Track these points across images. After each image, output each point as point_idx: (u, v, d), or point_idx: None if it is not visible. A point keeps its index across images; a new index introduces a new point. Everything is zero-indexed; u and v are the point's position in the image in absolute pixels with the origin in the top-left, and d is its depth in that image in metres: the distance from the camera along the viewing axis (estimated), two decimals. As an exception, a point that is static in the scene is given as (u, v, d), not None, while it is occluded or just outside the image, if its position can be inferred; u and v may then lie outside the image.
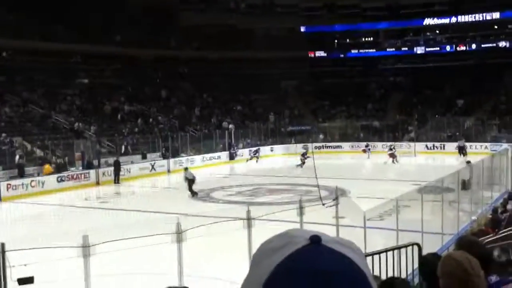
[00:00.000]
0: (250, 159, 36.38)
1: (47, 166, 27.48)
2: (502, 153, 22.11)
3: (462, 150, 35.55)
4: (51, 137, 31.66)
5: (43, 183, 25.24)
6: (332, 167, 30.22)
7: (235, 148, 38.73)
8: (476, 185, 16.95)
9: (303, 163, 32.28)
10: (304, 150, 34.69)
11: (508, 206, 14.83)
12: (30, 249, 11.43)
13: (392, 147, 35.01)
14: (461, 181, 16.94)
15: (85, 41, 42.25)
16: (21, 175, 25.87)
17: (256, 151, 37.12)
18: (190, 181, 23.34)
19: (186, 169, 24.74)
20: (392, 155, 33.55)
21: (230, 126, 41.60)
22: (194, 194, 23.08)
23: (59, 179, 26.20)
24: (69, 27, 42.19)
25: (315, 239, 0.89)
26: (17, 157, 27.14)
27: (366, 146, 38.06)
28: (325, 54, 54.25)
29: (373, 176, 27.49)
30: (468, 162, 21.36)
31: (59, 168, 27.58)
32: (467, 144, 37.44)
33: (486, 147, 36.81)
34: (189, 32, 51.87)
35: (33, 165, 27.83)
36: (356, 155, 38.96)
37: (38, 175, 26.41)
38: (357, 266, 0.88)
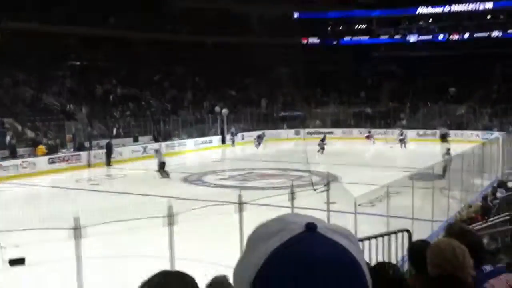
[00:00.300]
0: (258, 145, 35.86)
1: (40, 147, 27.38)
2: (492, 141, 22.27)
3: (444, 138, 35.78)
4: (42, 118, 31.51)
5: (34, 164, 25.16)
6: (324, 153, 30.32)
7: (235, 133, 38.36)
8: (466, 172, 17.05)
9: (323, 148, 32.31)
10: (322, 136, 34.84)
11: (498, 194, 14.94)
12: (21, 230, 11.45)
13: (401, 133, 35.77)
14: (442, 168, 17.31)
15: (78, 23, 41.86)
16: (13, 156, 25.76)
17: (260, 136, 36.79)
18: (162, 163, 23.73)
19: (157, 151, 25.21)
20: (402, 141, 34.26)
21: (224, 110, 41.42)
22: (164, 175, 23.36)
23: (50, 160, 26.12)
24: (62, 9, 41.77)
25: (311, 226, 0.89)
26: (8, 138, 27.01)
27: (369, 132, 38.18)
28: (318, 41, 54.09)
29: (365, 162, 27.58)
30: (448, 150, 21.24)
31: (50, 150, 27.48)
32: (457, 131, 37.77)
33: (477, 135, 37.00)
34: (183, 16, 51.57)
35: (24, 146, 27.70)
36: (348, 141, 39.07)
37: (29, 156, 26.30)
38: (351, 254, 0.89)
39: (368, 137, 37.29)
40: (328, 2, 52.45)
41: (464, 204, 14.53)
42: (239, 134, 38.93)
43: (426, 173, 15.77)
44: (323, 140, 33.28)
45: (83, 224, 10.19)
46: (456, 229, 3.51)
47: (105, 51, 44.51)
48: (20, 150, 26.84)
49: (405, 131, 37.44)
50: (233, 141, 37.46)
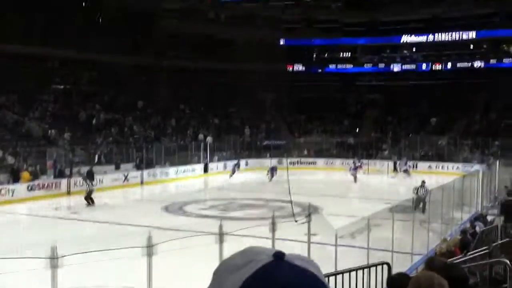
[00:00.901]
0: (232, 173, 35.56)
1: (25, 174, 27.03)
2: (473, 174, 22.44)
3: (396, 166, 37.30)
4: (23, 144, 31.21)
5: (13, 192, 24.78)
6: (306, 184, 30.31)
7: (238, 163, 37.47)
8: (446, 205, 17.14)
9: (272, 176, 33.01)
10: (274, 165, 34.86)
11: (477, 227, 15.01)
12: (-4, 259, 11.23)
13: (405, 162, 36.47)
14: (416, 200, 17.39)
15: (62, 46, 41.79)
16: (16, 181, 25.42)
17: (237, 165, 36.68)
18: (90, 191, 24.07)
19: (85, 178, 25.55)
20: (406, 171, 34.98)
21: (208, 138, 41.42)
22: (90, 202, 23.61)
23: (29, 187, 25.75)
24: (46, 32, 41.72)
25: (279, 255, 0.93)
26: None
27: (358, 163, 36.50)
28: (303, 68, 54.53)
29: (346, 194, 27.64)
30: (423, 183, 21.20)
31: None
32: (438, 163, 38.15)
33: (458, 168, 37.27)
34: (167, 40, 51.71)
35: (4, 172, 27.30)
36: (330, 172, 39.12)
37: (9, 183, 25.90)
38: (320, 280, 0.92)
39: (356, 169, 35.02)
40: (314, 29, 53.04)
41: (443, 238, 14.57)
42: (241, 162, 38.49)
43: (407, 206, 15.87)
44: (273, 169, 33.85)
45: (61, 254, 10.05)
46: (437, 263, 3.51)
47: (89, 75, 44.47)
48: (0, 177, 26.46)
49: (409, 161, 37.84)
50: (233, 171, 36.22)
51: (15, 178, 26.40)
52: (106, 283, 11.72)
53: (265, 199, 25.20)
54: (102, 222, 19.17)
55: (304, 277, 0.90)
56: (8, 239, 16.12)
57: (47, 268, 9.94)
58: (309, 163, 42.82)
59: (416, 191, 19.95)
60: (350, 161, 37.05)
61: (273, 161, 37.98)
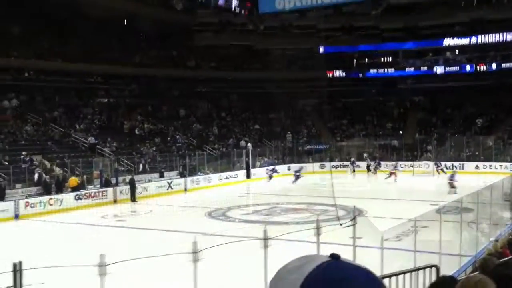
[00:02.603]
0: (270, 179, 35.96)
1: (72, 179, 27.73)
2: (522, 173, 21.84)
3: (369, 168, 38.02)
4: (70, 155, 31.98)
5: (61, 201, 25.38)
6: (349, 186, 30.06)
7: (274, 168, 37.86)
8: (495, 205, 16.71)
9: (297, 178, 34.05)
10: (299, 167, 35.98)
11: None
12: (47, 267, 11.50)
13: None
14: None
15: (104, 62, 42.82)
16: (48, 192, 26.05)
17: (273, 170, 36.94)
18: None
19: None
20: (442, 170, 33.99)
21: (249, 145, 41.72)
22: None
23: (76, 197, 26.33)
24: (89, 48, 42.85)
25: (335, 256, 1.01)
26: (36, 175, 27.39)
27: (394, 169, 35.99)
28: (344, 74, 54.13)
29: (391, 196, 27.25)
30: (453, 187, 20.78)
31: (77, 186, 27.76)
32: (485, 163, 37.31)
33: (506, 167, 36.40)
34: (206, 52, 52.32)
35: (52, 183, 28.02)
36: (373, 175, 38.68)
37: (57, 193, 26.56)
38: (375, 275, 1.01)
39: (391, 175, 34.63)
40: (354, 36, 52.69)
41: (492, 238, 14.19)
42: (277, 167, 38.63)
43: (454, 207, 15.52)
44: (297, 171, 34.80)
45: (108, 261, 10.23)
46: (491, 264, 3.43)
47: (131, 88, 45.34)
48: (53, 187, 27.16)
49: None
50: (270, 176, 36.73)
51: (59, 188, 26.98)
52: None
53: (308, 203, 25.08)
54: (148, 229, 19.43)
55: (360, 271, 0.98)
56: (56, 248, 16.50)
57: (95, 276, 10.14)
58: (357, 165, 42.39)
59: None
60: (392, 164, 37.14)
61: (317, 165, 38.15)
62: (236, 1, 40.60)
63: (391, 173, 33.21)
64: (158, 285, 12.18)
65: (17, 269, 7.77)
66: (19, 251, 13.65)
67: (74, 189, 27.29)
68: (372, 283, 0.98)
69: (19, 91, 37.22)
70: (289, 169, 39.64)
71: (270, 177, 35.96)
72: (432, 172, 37.36)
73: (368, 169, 40.19)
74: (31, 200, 24.60)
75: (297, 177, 34.82)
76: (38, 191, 26.62)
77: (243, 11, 41.58)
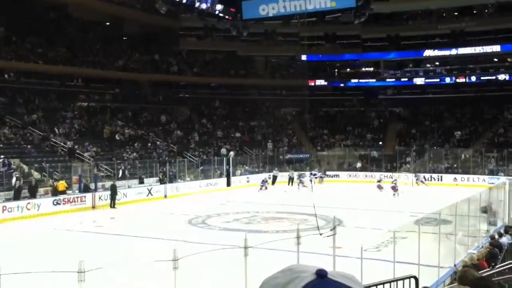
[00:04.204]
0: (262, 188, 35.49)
1: (61, 183, 27.66)
2: (499, 186, 22.12)
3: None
4: (48, 159, 31.64)
5: (38, 206, 25.08)
6: (329, 196, 30.20)
7: (302, 177, 37.90)
8: (473, 218, 16.92)
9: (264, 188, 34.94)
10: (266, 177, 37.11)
11: (504, 239, 14.78)
12: (24, 273, 11.37)
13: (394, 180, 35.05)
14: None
15: (86, 65, 42.56)
16: (17, 198, 25.62)
17: (265, 180, 36.77)
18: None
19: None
20: (394, 188, 33.35)
21: (231, 153, 41.73)
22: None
23: (55, 202, 26.05)
24: (70, 51, 42.58)
25: (322, 273, 0.93)
26: (14, 179, 27.04)
27: (379, 181, 35.80)
28: (326, 83, 54.45)
29: (371, 206, 27.38)
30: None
31: (55, 191, 27.46)
32: (463, 176, 37.81)
33: (483, 180, 36.84)
34: (189, 57, 52.34)
35: (25, 188, 27.50)
36: (353, 185, 38.90)
37: (30, 198, 26.06)
38: None
39: (379, 187, 34.71)
40: (336, 45, 53.09)
41: (470, 250, 14.37)
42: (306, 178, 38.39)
43: (432, 218, 15.67)
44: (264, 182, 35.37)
45: (87, 268, 10.15)
46: (470, 277, 3.48)
47: (113, 92, 45.06)
48: (26, 192, 26.76)
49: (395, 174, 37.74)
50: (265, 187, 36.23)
51: (32, 194, 26.57)
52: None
53: (289, 212, 25.13)
54: (128, 236, 19.29)
55: None
56: (34, 253, 16.31)
57: (74, 282, 10.06)
58: (332, 176, 42.65)
59: None
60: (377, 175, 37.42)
61: (296, 174, 38.39)
62: (220, 6, 40.61)
63: (392, 188, 33.20)
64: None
65: (-5, 274, 7.69)
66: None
67: (62, 193, 27.12)
68: None
69: (-1, 93, 36.76)
70: (269, 178, 39.56)
71: (264, 187, 35.65)
72: (411, 183, 37.66)
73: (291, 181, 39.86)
74: (8, 204, 24.27)
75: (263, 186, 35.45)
76: (8, 196, 26.15)
77: (226, 17, 41.63)
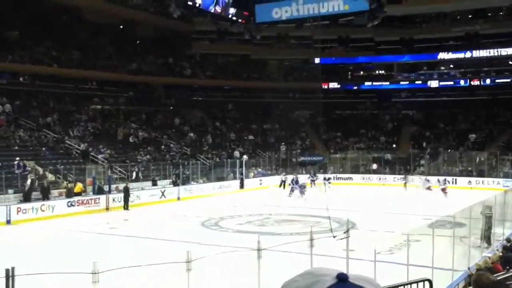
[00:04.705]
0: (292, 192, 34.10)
1: (79, 185, 28.16)
2: (515, 189, 21.91)
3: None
4: (63, 161, 31.84)
5: (53, 208, 25.26)
6: (342, 199, 30.09)
7: (314, 175, 38.58)
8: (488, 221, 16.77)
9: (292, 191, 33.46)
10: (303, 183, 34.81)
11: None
12: (38, 274, 11.45)
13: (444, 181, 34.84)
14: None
15: (100, 68, 42.82)
16: (28, 200, 25.80)
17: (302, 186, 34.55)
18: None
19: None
20: (444, 190, 33.21)
21: (244, 156, 41.74)
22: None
23: (69, 204, 26.22)
24: (84, 54, 42.87)
25: (343, 277, 0.93)
26: (29, 180, 27.27)
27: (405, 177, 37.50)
28: (339, 86, 54.31)
29: (384, 209, 27.26)
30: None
31: (70, 193, 27.66)
32: (478, 179, 37.38)
33: (498, 183, 36.54)
34: (203, 60, 52.50)
35: (37, 189, 27.72)
36: (367, 188, 38.75)
37: (43, 200, 26.29)
38: None
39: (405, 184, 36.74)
40: (349, 48, 52.98)
41: (484, 254, 14.25)
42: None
43: (446, 221, 15.56)
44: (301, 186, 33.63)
45: (101, 269, 10.20)
46: (485, 281, 3.45)
47: (127, 95, 45.31)
48: (38, 193, 26.97)
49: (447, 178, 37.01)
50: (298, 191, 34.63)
51: (45, 196, 26.77)
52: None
53: (302, 214, 25.08)
54: (141, 238, 19.36)
55: None
56: (49, 254, 16.42)
57: (88, 283, 10.11)
58: (346, 179, 42.53)
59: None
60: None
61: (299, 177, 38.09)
62: (233, 10, 40.69)
63: (442, 190, 33.06)
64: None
65: (9, 275, 7.75)
66: (11, 257, 13.58)
67: (77, 195, 27.45)
68: None
69: (14, 96, 37.07)
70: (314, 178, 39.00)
71: (296, 191, 33.64)
72: (422, 187, 37.43)
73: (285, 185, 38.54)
74: (22, 206, 24.46)
75: (294, 190, 33.69)
76: (28, 198, 26.40)
77: (239, 20, 41.67)
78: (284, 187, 38.06)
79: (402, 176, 39.27)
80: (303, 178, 37.59)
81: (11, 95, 36.74)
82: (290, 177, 37.60)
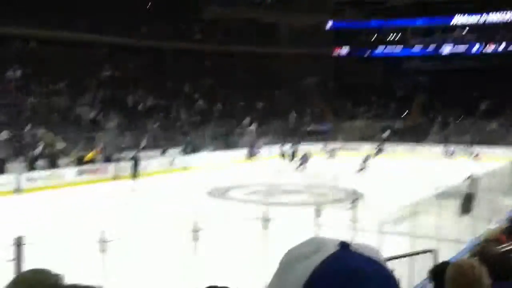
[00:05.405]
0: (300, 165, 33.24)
1: (91, 153, 28.36)
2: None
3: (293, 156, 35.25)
4: (73, 129, 31.94)
5: (62, 176, 25.49)
6: (350, 169, 30.02)
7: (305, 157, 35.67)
8: (496, 191, 16.74)
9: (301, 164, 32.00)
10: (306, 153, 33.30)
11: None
12: (48, 242, 11.64)
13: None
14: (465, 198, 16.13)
15: (111, 33, 42.50)
16: (33, 168, 25.96)
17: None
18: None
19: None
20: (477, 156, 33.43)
21: (253, 125, 41.58)
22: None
23: (78, 172, 26.43)
24: (95, 19, 42.43)
25: (345, 245, 0.96)
26: (39, 148, 27.39)
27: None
28: (350, 51, 53.67)
29: (391, 179, 27.20)
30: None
31: (80, 161, 27.81)
32: (488, 148, 37.20)
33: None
34: (212, 25, 51.93)
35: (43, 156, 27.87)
36: (376, 158, 38.63)
37: (50, 168, 26.47)
38: (387, 268, 0.96)
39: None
40: (362, 11, 52.20)
41: (489, 226, 14.27)
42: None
43: (453, 192, 15.57)
44: (365, 160, 31.38)
45: (109, 238, 10.35)
46: (492, 252, 3.47)
47: (136, 61, 45.07)
48: (45, 161, 27.09)
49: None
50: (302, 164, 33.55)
51: (53, 164, 26.88)
52: (153, 267, 11.98)
53: (308, 185, 25.12)
54: (148, 206, 19.54)
55: (370, 264, 0.94)
56: (57, 223, 16.63)
57: (96, 251, 10.28)
58: (354, 149, 42.26)
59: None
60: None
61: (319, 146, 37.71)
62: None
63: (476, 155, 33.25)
64: (158, 262, 12.30)
65: (19, 243, 7.88)
66: (20, 225, 13.78)
67: (86, 163, 27.67)
68: (384, 280, 0.95)
69: (23, 62, 37.01)
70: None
71: (301, 164, 32.91)
72: (436, 156, 37.18)
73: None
74: (32, 174, 24.68)
75: (302, 163, 32.96)
76: (40, 164, 26.59)
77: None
78: (292, 158, 35.92)
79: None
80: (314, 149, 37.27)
81: (21, 61, 36.71)
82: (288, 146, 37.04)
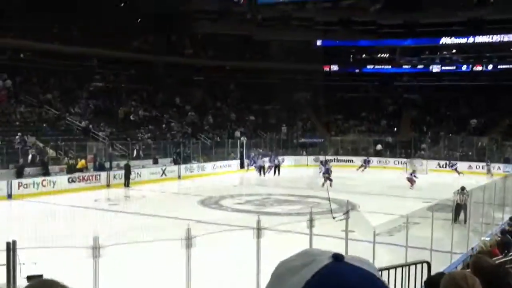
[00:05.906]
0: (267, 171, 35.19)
1: (82, 161, 28.56)
2: (515, 175, 21.95)
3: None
4: (64, 138, 31.86)
5: (54, 183, 25.37)
6: (342, 181, 30.08)
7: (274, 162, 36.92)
8: (487, 205, 16.83)
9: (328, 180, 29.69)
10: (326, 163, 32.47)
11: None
12: (40, 247, 11.52)
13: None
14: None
15: (101, 45, 42.57)
16: (20, 176, 25.80)
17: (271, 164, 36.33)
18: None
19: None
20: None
21: (243, 138, 41.68)
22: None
23: (70, 179, 26.33)
24: (86, 32, 42.55)
25: (338, 257, 0.94)
26: (30, 156, 27.32)
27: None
28: (340, 69, 54.05)
29: (384, 191, 27.32)
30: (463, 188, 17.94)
31: (71, 169, 27.73)
32: (478, 163, 37.44)
33: (499, 168, 36.58)
34: (204, 40, 52.14)
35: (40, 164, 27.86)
36: (367, 170, 38.76)
37: (44, 175, 26.40)
38: (380, 281, 0.94)
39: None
40: (352, 31, 52.60)
41: (483, 237, 14.33)
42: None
43: (446, 205, 15.63)
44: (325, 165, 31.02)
45: (101, 244, 10.25)
46: (485, 264, 3.46)
47: (128, 73, 45.12)
48: (37, 169, 27.03)
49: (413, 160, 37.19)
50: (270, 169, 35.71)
51: (46, 171, 26.87)
52: (145, 274, 11.89)
53: (301, 195, 25.14)
54: (141, 214, 19.44)
55: (364, 277, 0.92)
56: (49, 229, 16.49)
57: (88, 258, 10.17)
58: (346, 161, 42.52)
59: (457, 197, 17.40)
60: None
61: (311, 159, 37.83)
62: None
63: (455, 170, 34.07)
64: (151, 269, 12.21)
65: (10, 248, 7.80)
66: (12, 231, 13.65)
67: (78, 171, 27.70)
68: None
69: (15, 72, 36.97)
70: (283, 161, 39.17)
71: (270, 169, 35.30)
72: (425, 170, 37.37)
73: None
74: (24, 181, 24.55)
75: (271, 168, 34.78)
76: (31, 172, 26.49)
77: (241, 0, 41.35)
78: (264, 173, 35.28)
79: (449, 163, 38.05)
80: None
81: (12, 71, 36.64)
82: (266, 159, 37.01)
